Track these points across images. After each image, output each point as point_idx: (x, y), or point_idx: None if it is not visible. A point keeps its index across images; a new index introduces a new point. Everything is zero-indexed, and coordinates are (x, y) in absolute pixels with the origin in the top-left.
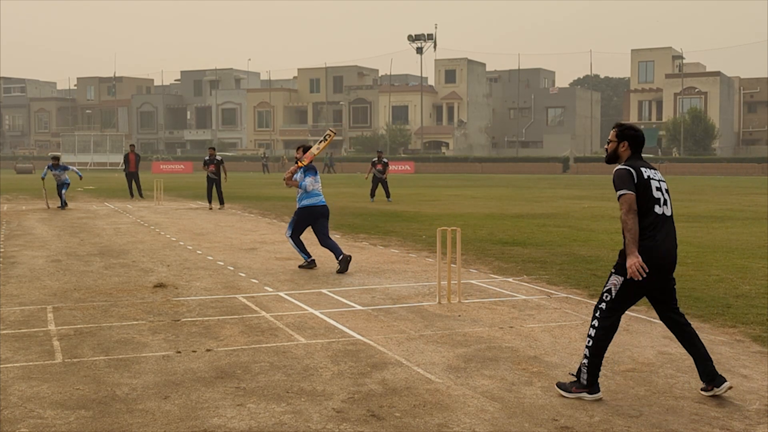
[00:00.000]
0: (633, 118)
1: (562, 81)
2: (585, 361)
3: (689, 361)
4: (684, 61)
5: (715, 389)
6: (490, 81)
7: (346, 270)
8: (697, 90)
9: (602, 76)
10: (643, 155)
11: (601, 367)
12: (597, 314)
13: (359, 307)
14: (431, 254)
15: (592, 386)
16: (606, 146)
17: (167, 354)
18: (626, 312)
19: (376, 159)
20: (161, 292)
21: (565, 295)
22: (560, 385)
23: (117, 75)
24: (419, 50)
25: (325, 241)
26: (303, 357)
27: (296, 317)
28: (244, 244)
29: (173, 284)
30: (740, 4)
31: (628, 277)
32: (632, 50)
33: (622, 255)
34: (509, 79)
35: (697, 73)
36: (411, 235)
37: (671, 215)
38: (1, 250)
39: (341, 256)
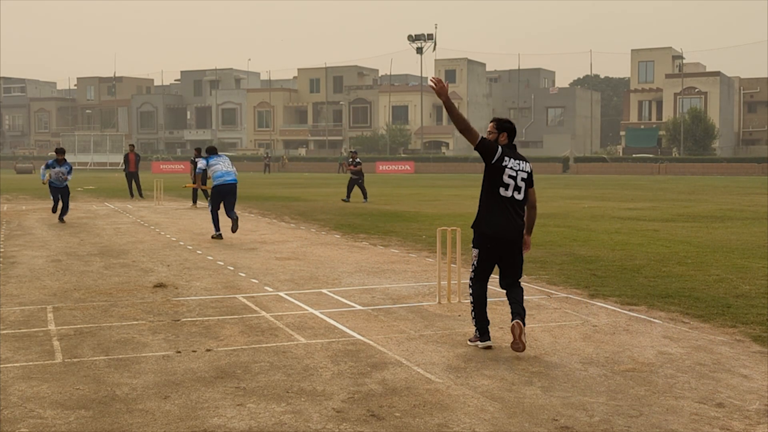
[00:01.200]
0: (633, 118)
1: (562, 81)
2: (473, 320)
3: (689, 360)
4: (684, 61)
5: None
6: (490, 81)
7: (236, 229)
8: (697, 90)
9: (602, 76)
10: (643, 155)
11: (599, 366)
12: (469, 284)
13: (359, 307)
14: (431, 254)
15: (483, 335)
16: (487, 134)
17: (167, 354)
18: (626, 312)
19: (350, 159)
20: (161, 292)
21: (565, 295)
22: (471, 341)
23: (117, 75)
24: (419, 50)
25: (228, 213)
26: (303, 357)
27: (296, 317)
28: (244, 244)
29: (173, 284)
30: (740, 4)
31: (479, 247)
32: (632, 50)
33: (474, 229)
34: (509, 79)
35: (697, 73)
36: (411, 235)
37: (521, 199)
38: (1, 250)
39: (232, 223)
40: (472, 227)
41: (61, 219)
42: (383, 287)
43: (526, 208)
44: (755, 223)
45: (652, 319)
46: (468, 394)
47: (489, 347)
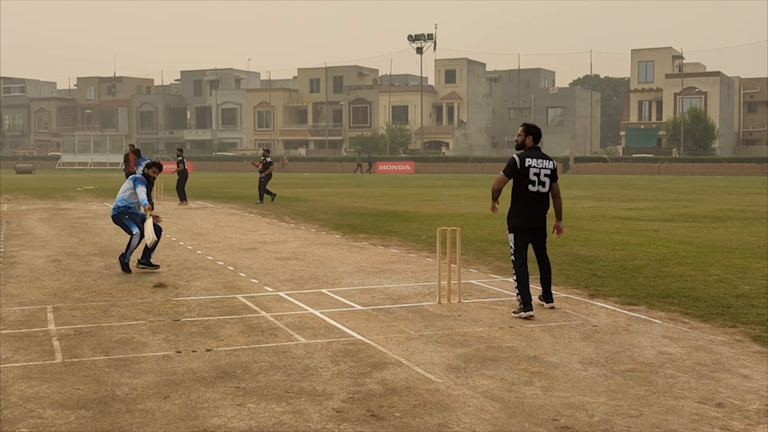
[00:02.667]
0: (633, 118)
1: (562, 81)
2: (517, 291)
3: (689, 360)
4: (684, 61)
5: (545, 304)
6: (490, 81)
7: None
8: (697, 90)
9: (602, 76)
10: (643, 155)
11: (599, 366)
12: (513, 266)
13: (359, 307)
14: (431, 254)
15: (527, 305)
16: (516, 137)
17: (167, 354)
18: (626, 312)
19: (261, 157)
20: (161, 292)
21: (565, 295)
22: (515, 313)
23: (117, 75)
24: (419, 50)
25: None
26: (303, 357)
27: (296, 317)
28: (244, 244)
29: (173, 284)
30: (740, 4)
31: (513, 232)
32: (632, 50)
33: (509, 220)
34: (509, 79)
35: (697, 73)
36: (411, 235)
37: (546, 192)
38: (1, 250)
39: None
40: (507, 218)
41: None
42: (383, 287)
43: (551, 197)
44: (755, 223)
45: (652, 319)
46: (468, 394)
47: (531, 317)
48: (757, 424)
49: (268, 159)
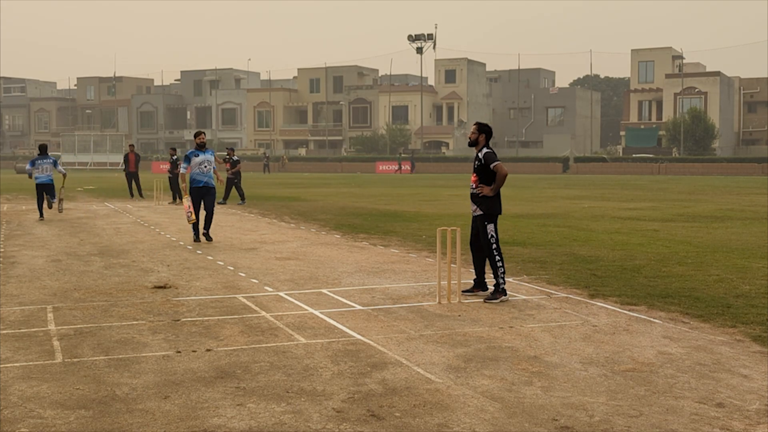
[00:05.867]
0: (633, 118)
1: (562, 81)
2: (501, 279)
3: (689, 360)
4: (684, 61)
5: (481, 292)
6: (490, 81)
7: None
8: (697, 90)
9: (602, 76)
10: (643, 155)
11: (599, 366)
12: (496, 254)
13: (359, 307)
14: (431, 254)
15: (505, 291)
16: (470, 135)
17: (167, 354)
18: (626, 312)
19: (226, 156)
20: (161, 292)
21: (565, 295)
22: (488, 300)
23: (117, 75)
24: (419, 50)
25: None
26: (303, 357)
27: (296, 317)
28: (244, 244)
29: (173, 284)
30: (740, 4)
31: (495, 222)
32: (632, 50)
33: (490, 208)
34: (509, 79)
35: (697, 73)
36: (411, 235)
37: None
38: (1, 250)
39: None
40: (492, 212)
41: (206, 235)
42: (383, 287)
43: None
44: (755, 223)
45: (652, 319)
46: (468, 394)
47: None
48: (757, 424)
49: (235, 157)
